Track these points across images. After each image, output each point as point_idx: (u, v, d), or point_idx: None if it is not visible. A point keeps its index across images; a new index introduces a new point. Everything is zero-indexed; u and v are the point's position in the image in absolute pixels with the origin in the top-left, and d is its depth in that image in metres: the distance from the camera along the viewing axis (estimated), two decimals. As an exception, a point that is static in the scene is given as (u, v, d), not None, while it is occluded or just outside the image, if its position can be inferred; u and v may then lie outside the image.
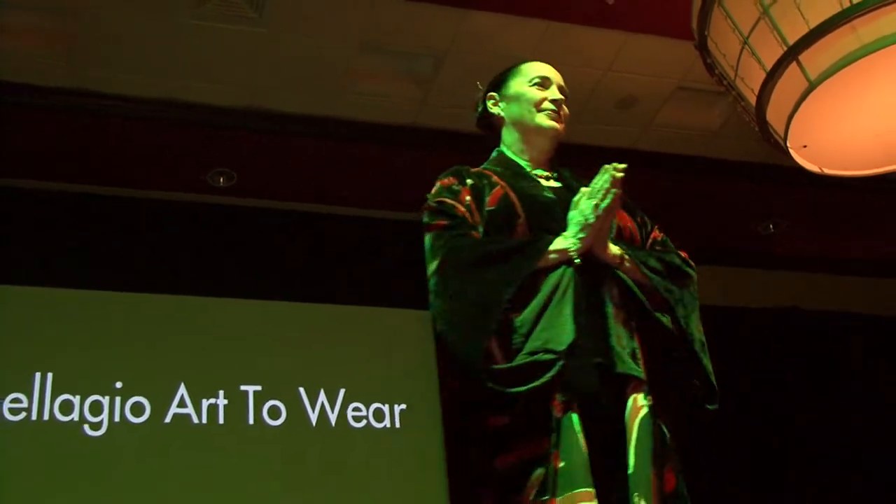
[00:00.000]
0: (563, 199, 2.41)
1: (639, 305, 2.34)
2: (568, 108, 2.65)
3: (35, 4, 4.39)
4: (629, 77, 5.03)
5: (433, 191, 2.53)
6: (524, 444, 2.14)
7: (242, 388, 5.17)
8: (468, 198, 2.45)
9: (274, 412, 5.17)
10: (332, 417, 5.26)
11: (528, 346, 2.19)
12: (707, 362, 2.38)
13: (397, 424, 5.36)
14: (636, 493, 2.10)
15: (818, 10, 3.33)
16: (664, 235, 2.59)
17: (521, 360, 2.17)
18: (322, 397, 5.29)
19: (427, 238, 2.44)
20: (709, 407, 2.36)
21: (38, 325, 4.98)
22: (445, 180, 2.54)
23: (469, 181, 2.49)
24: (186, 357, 5.15)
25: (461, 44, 4.76)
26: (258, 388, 5.20)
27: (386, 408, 5.38)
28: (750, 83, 3.69)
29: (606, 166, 2.32)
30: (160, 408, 4.98)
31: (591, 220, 2.29)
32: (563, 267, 2.29)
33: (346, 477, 5.12)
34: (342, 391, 5.33)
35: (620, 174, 2.29)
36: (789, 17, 3.42)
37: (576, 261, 2.29)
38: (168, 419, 4.97)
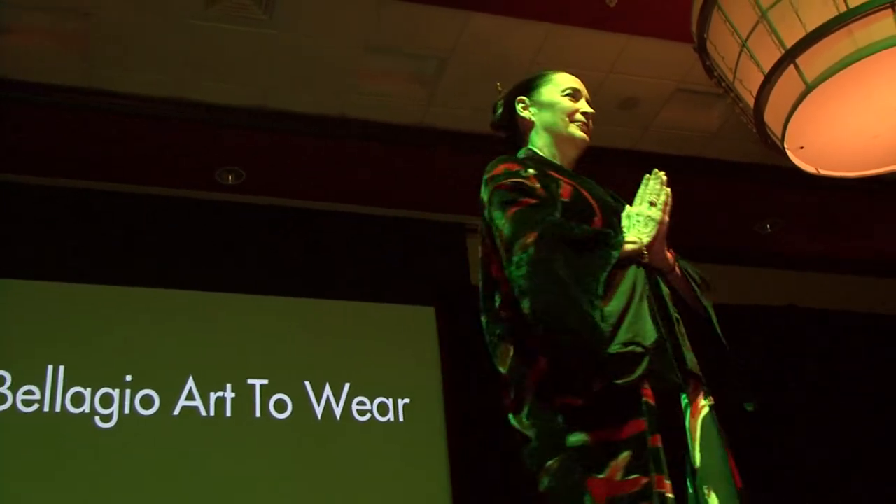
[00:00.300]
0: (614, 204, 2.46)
1: (685, 309, 2.40)
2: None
3: (48, 5, 4.41)
4: (630, 79, 5.02)
5: (497, 171, 2.45)
6: (611, 427, 2.11)
7: (249, 381, 5.19)
8: (537, 184, 2.40)
9: (280, 405, 5.19)
10: (337, 411, 5.27)
11: (620, 338, 2.17)
12: (739, 364, 2.41)
13: (401, 418, 5.37)
14: (705, 486, 2.14)
15: (815, 14, 3.34)
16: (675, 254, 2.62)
17: (616, 349, 2.15)
18: (327, 391, 5.30)
19: (513, 214, 2.31)
20: (747, 407, 2.40)
21: (51, 320, 5.01)
22: (507, 164, 2.48)
23: (531, 170, 2.45)
24: (195, 351, 5.17)
25: (465, 45, 4.77)
26: (265, 381, 5.22)
27: (390, 402, 5.39)
28: (748, 85, 3.70)
29: (648, 175, 2.40)
30: (169, 400, 5.01)
31: (655, 216, 2.34)
32: (633, 266, 2.30)
33: (351, 469, 5.13)
34: (347, 385, 5.35)
35: (663, 174, 2.39)
36: (787, 21, 3.43)
37: (646, 258, 2.31)
38: (177, 411, 5.00)
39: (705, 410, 2.24)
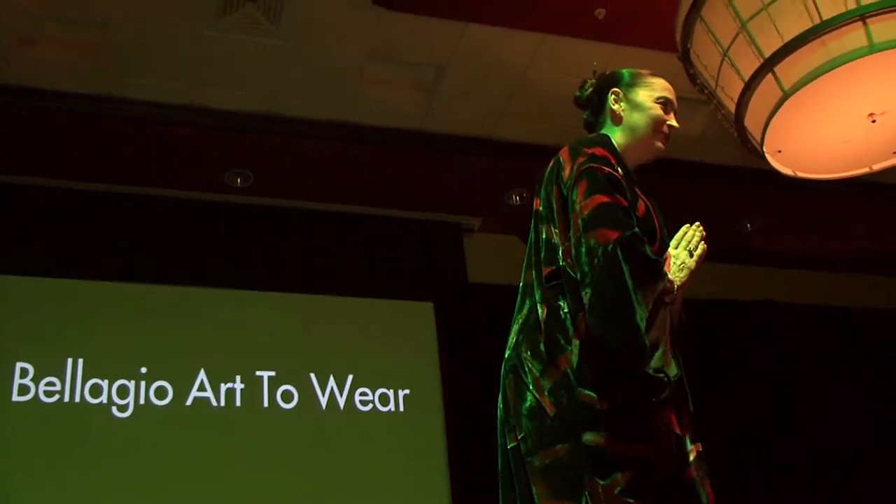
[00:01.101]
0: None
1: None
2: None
3: (67, 17, 4.39)
4: None
5: (598, 152, 2.32)
6: (628, 442, 2.06)
7: (258, 373, 5.21)
8: (625, 188, 2.30)
9: (287, 396, 5.21)
10: (341, 401, 5.29)
11: (654, 362, 2.16)
12: None
13: (401, 408, 5.38)
14: None
15: (791, 25, 3.35)
16: None
17: (652, 371, 2.14)
18: (331, 383, 5.32)
19: (603, 201, 2.19)
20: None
21: (71, 315, 5.02)
22: (607, 153, 2.35)
23: (619, 169, 2.33)
24: (206, 344, 5.19)
25: (462, 54, 4.75)
26: (272, 373, 5.24)
27: (391, 392, 5.40)
28: (729, 92, 3.69)
29: (689, 225, 2.35)
30: (182, 391, 5.03)
31: (691, 265, 2.28)
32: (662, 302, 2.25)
33: (354, 456, 5.15)
34: (350, 377, 5.36)
35: (701, 228, 2.35)
36: (765, 31, 3.43)
37: (669, 300, 2.26)
38: (189, 402, 5.02)
39: (694, 455, 2.20)
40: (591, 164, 2.26)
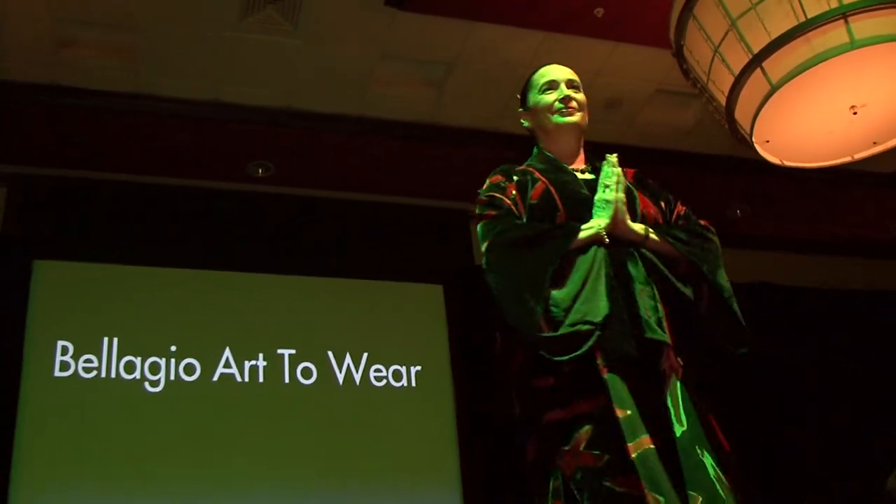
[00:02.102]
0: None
1: (663, 277, 2.28)
2: (583, 98, 2.58)
3: (102, 22, 4.42)
4: (615, 81, 5.01)
5: (484, 187, 2.46)
6: (576, 403, 2.11)
7: (279, 351, 5.22)
8: (514, 192, 2.39)
9: (306, 372, 5.22)
10: (357, 377, 5.30)
11: (570, 319, 2.15)
12: (736, 308, 2.33)
13: (413, 383, 5.38)
14: (697, 446, 2.08)
15: (778, 23, 3.37)
16: (687, 209, 2.53)
17: (564, 330, 2.14)
18: (348, 360, 5.32)
19: (479, 227, 2.38)
20: (740, 351, 2.32)
21: (106, 297, 5.04)
22: (494, 178, 2.47)
23: (515, 178, 2.43)
24: (231, 324, 5.19)
25: (469, 52, 4.75)
26: (293, 351, 5.24)
27: (403, 369, 5.40)
28: (720, 86, 3.70)
29: (606, 164, 2.34)
30: (209, 368, 5.05)
31: (609, 197, 2.28)
32: (594, 247, 2.25)
33: (369, 428, 5.16)
34: (365, 354, 5.36)
35: (615, 157, 2.34)
36: (754, 29, 3.45)
37: (605, 240, 2.26)
38: (216, 378, 5.04)
39: (675, 381, 2.17)
40: (477, 201, 2.43)
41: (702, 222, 2.48)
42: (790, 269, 6.56)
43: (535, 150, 2.59)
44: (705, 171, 5.70)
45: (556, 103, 2.50)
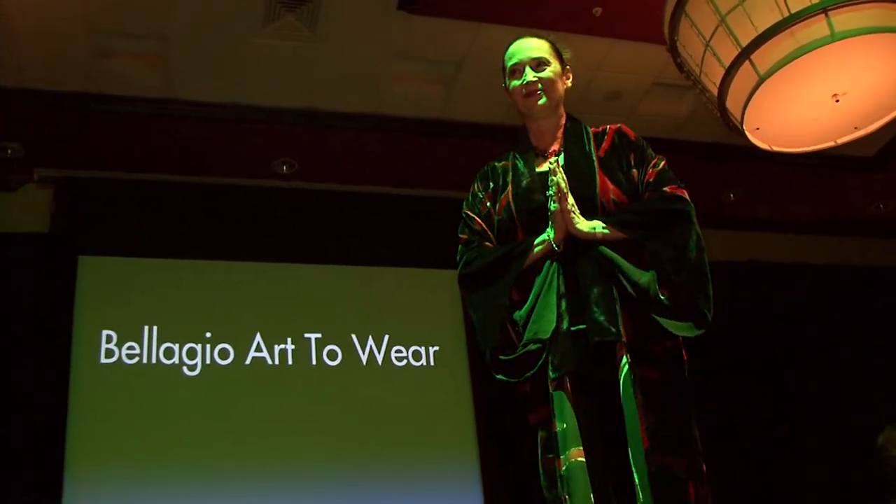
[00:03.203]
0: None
1: (619, 272, 2.15)
2: (551, 73, 2.37)
3: (136, 33, 4.46)
4: (614, 76, 5.00)
5: (468, 195, 2.42)
6: (537, 411, 2.16)
7: (306, 335, 5.25)
8: (488, 204, 2.34)
9: (332, 354, 5.25)
10: (379, 358, 5.33)
11: (526, 337, 2.14)
12: (703, 284, 2.16)
13: (432, 363, 5.40)
14: (633, 438, 2.00)
15: (764, 18, 3.40)
16: (659, 172, 2.33)
17: (519, 352, 2.15)
18: (370, 342, 5.35)
19: (458, 249, 2.39)
20: (696, 331, 2.14)
21: (146, 288, 5.08)
22: (475, 185, 2.42)
23: (491, 184, 2.37)
24: (261, 311, 5.22)
25: (477, 51, 4.72)
26: (319, 335, 5.27)
27: (422, 349, 5.42)
28: (712, 78, 3.72)
29: (549, 164, 2.25)
30: (242, 352, 5.09)
31: (553, 208, 2.17)
32: (548, 261, 2.19)
33: (391, 405, 5.19)
34: (386, 337, 5.39)
35: (555, 165, 2.20)
36: (742, 24, 3.47)
37: (556, 249, 2.17)
38: (248, 361, 5.08)
39: (625, 369, 2.06)
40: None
41: (669, 189, 2.29)
42: (778, 246, 6.54)
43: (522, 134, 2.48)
44: (700, 157, 5.67)
45: (520, 88, 2.35)
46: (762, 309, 6.20)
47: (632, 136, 2.40)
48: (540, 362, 2.11)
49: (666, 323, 2.13)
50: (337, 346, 5.30)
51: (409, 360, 5.40)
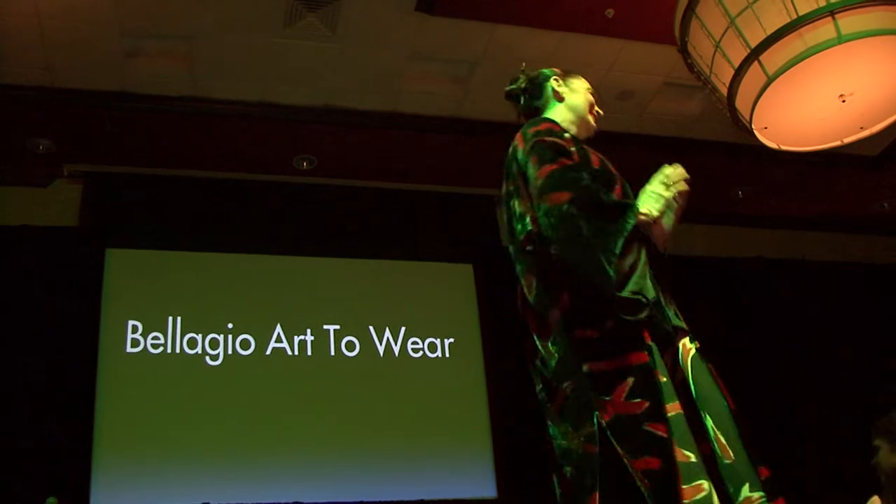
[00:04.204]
0: None
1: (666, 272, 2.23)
2: None
3: (162, 34, 4.50)
4: (626, 76, 5.00)
5: (541, 128, 2.31)
6: (620, 357, 2.02)
7: (325, 327, 5.30)
8: (572, 148, 2.28)
9: (350, 345, 5.29)
10: (396, 349, 5.36)
11: (630, 287, 2.09)
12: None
13: (447, 354, 5.44)
14: (702, 412, 2.07)
15: (773, 20, 3.42)
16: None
17: (626, 294, 2.08)
18: (387, 333, 5.38)
19: (550, 170, 2.18)
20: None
21: (170, 280, 5.13)
22: (549, 124, 2.35)
23: (566, 134, 2.34)
24: (281, 303, 5.26)
25: (492, 51, 4.74)
26: (337, 327, 5.31)
27: (438, 341, 5.46)
28: (722, 78, 3.74)
29: (668, 165, 2.24)
30: (262, 343, 5.13)
31: (667, 195, 2.19)
32: (640, 233, 2.18)
33: (407, 395, 5.24)
34: (403, 328, 5.43)
35: (684, 172, 2.22)
36: (751, 26, 3.50)
37: (647, 230, 2.19)
38: (269, 351, 5.13)
39: (693, 352, 2.17)
40: (537, 140, 2.25)
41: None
42: (787, 243, 6.53)
43: (545, 118, 2.44)
44: (710, 156, 5.67)
45: (597, 109, 2.56)
46: (769, 299, 6.19)
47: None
48: (643, 314, 2.06)
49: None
50: (355, 337, 5.33)
51: (424, 352, 5.42)
